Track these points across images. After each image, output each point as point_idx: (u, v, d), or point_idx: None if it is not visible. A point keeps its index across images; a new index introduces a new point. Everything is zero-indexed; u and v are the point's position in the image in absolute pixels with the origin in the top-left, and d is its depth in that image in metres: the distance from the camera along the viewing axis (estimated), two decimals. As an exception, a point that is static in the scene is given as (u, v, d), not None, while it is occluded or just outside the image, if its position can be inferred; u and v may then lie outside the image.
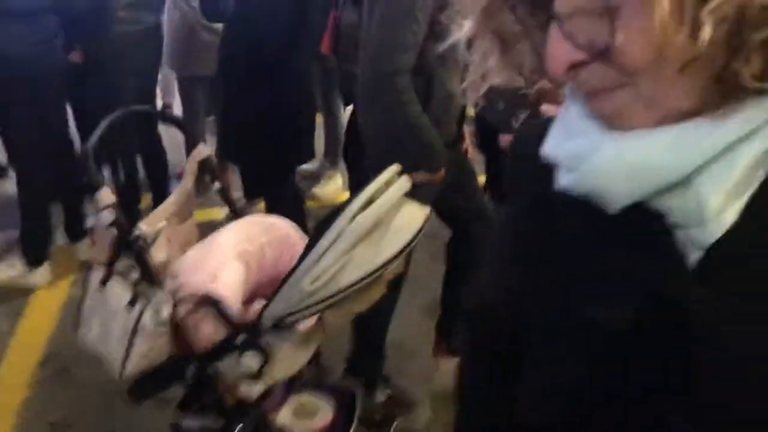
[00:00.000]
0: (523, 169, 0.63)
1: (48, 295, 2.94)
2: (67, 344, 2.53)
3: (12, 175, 3.95)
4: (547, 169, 0.55)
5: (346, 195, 4.00)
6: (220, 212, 3.53)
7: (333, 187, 4.21)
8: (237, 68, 2.70)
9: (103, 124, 1.77)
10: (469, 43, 0.56)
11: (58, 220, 3.17)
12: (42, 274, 2.99)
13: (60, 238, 3.19)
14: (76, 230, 3.17)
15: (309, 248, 1.59)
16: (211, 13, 2.76)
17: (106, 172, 3.37)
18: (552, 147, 0.55)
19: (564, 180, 0.53)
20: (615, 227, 0.51)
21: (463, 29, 0.56)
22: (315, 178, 4.22)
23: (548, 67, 0.49)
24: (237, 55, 2.66)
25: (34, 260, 2.96)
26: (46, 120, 2.85)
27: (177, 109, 4.94)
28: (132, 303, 1.66)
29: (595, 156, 0.49)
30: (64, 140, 3.03)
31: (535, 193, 0.59)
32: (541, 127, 0.57)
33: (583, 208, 0.51)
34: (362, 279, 1.54)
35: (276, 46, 2.54)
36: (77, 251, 3.18)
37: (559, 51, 0.48)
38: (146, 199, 3.48)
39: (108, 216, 1.68)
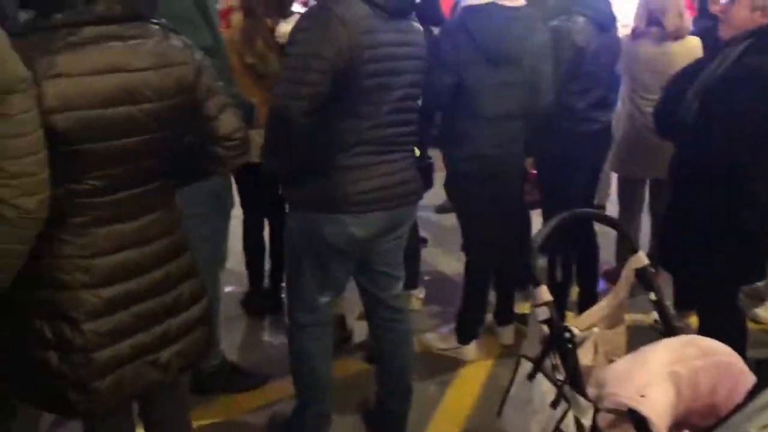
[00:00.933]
0: None
1: (473, 371, 3.17)
2: (484, 422, 2.68)
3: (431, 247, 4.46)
4: None
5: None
6: (648, 317, 3.39)
7: (781, 310, 3.68)
8: (691, 176, 2.58)
9: (552, 224, 1.87)
10: None
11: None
12: (471, 350, 3.24)
13: (488, 318, 3.42)
14: (505, 315, 3.37)
15: (757, 389, 1.40)
16: (665, 129, 2.70)
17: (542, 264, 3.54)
18: None
19: None
20: None
21: None
22: (758, 296, 3.74)
23: None
24: (694, 159, 2.55)
25: (466, 337, 3.23)
26: (503, 215, 3.08)
27: (610, 209, 4.97)
28: (555, 403, 1.68)
29: None
30: (511, 232, 3.26)
31: None
32: None
33: None
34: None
35: (737, 157, 2.36)
36: (502, 335, 3.37)
37: None
38: (573, 292, 3.55)
39: (543, 313, 1.75)
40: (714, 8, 5.13)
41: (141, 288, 1.66)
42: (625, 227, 2.11)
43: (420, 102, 2.34)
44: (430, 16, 3.34)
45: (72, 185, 1.52)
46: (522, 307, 3.52)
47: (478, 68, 2.77)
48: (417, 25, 2.27)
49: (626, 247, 2.08)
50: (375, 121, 2.11)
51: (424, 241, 4.41)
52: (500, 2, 2.74)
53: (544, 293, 1.76)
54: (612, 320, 2.01)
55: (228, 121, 1.71)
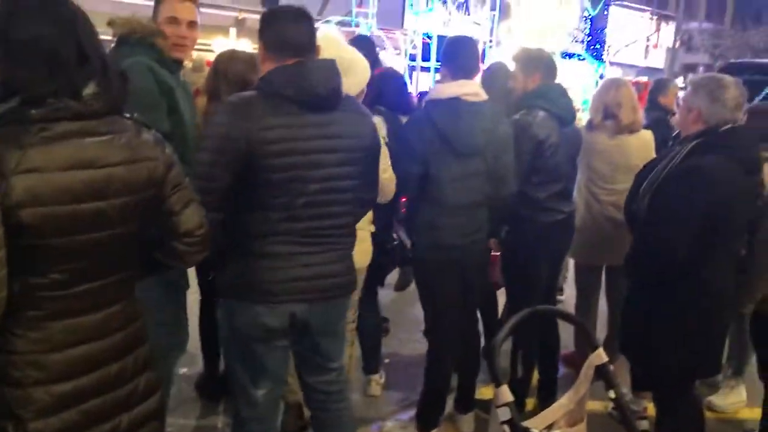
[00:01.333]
0: None
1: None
2: None
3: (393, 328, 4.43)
4: None
5: (750, 412, 3.52)
6: (606, 405, 3.39)
7: (734, 398, 3.72)
8: (643, 267, 2.67)
9: (513, 321, 1.89)
10: None
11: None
12: (431, 439, 3.18)
13: (449, 407, 3.36)
14: (466, 403, 3.33)
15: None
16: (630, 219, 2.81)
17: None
18: None
19: None
20: None
21: None
22: (714, 385, 3.80)
23: None
24: (645, 253, 2.64)
25: (426, 426, 3.16)
26: (466, 303, 3.09)
27: (567, 291, 5.04)
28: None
29: None
30: (473, 320, 3.29)
31: None
32: None
33: None
34: None
35: (685, 251, 2.45)
36: (463, 423, 3.32)
37: None
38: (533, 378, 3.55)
39: (504, 414, 1.74)
40: (663, 101, 5.43)
41: (95, 383, 1.61)
42: (584, 323, 2.14)
43: (356, 192, 2.25)
44: (398, 105, 3.43)
45: (32, 279, 1.48)
46: (483, 393, 3.50)
47: (444, 159, 2.84)
48: (353, 114, 2.21)
49: (585, 336, 2.10)
50: (287, 213, 2.08)
51: (386, 320, 4.38)
52: (463, 97, 2.83)
53: (506, 393, 1.76)
54: (573, 417, 2.01)
55: (190, 218, 1.72)
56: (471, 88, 2.87)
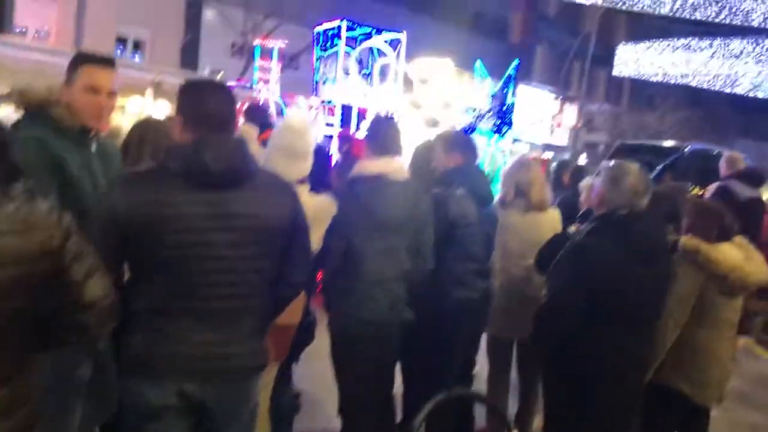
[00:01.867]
0: None
1: None
2: None
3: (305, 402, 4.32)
4: None
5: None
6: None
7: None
8: (549, 338, 2.76)
9: (429, 406, 1.88)
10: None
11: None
12: None
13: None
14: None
15: None
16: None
17: None
18: None
19: None
20: None
21: None
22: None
23: None
24: (548, 325, 2.73)
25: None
26: (378, 376, 3.07)
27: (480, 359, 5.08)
28: None
29: None
30: (389, 397, 3.25)
31: None
32: None
33: None
34: None
35: (574, 322, 2.55)
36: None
37: None
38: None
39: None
40: (567, 180, 5.74)
41: None
42: (499, 407, 2.16)
43: (260, 273, 2.14)
44: (319, 183, 3.45)
45: None
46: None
47: (367, 233, 2.88)
48: (261, 193, 2.10)
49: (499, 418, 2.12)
50: (174, 290, 2.01)
51: (298, 396, 4.26)
52: (387, 175, 2.92)
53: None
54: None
55: (94, 288, 1.65)
56: (394, 166, 2.96)
